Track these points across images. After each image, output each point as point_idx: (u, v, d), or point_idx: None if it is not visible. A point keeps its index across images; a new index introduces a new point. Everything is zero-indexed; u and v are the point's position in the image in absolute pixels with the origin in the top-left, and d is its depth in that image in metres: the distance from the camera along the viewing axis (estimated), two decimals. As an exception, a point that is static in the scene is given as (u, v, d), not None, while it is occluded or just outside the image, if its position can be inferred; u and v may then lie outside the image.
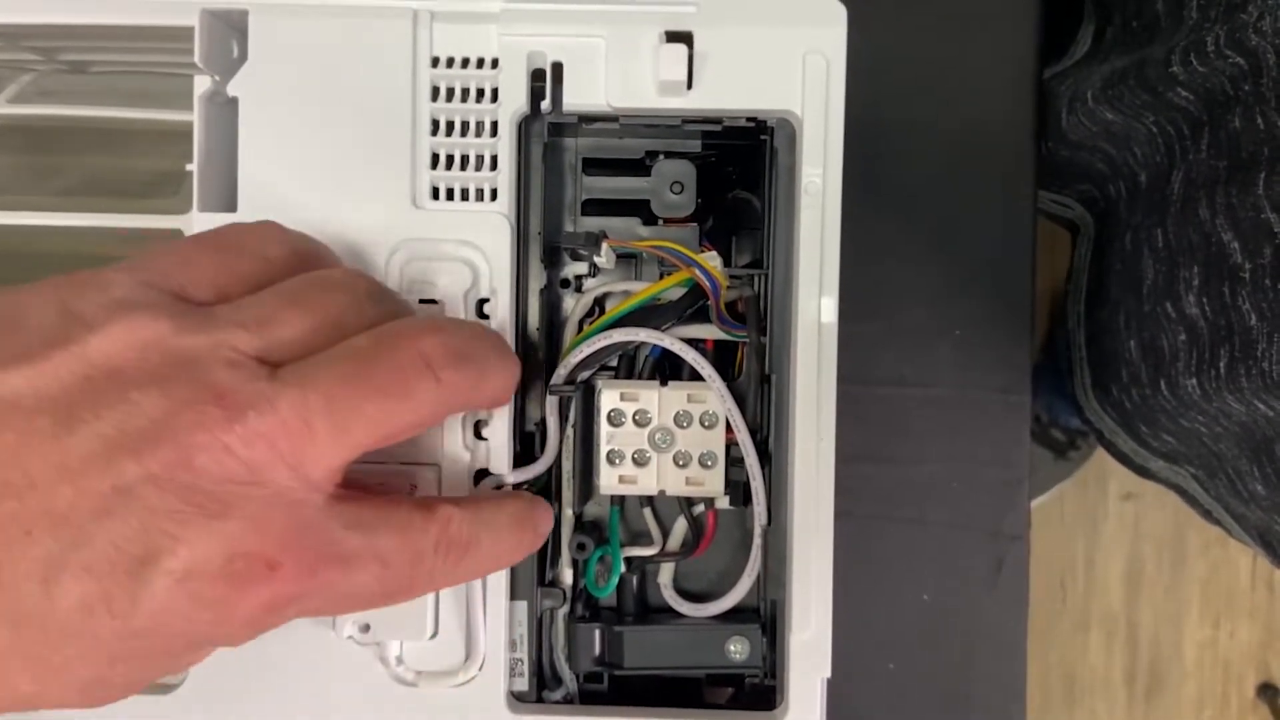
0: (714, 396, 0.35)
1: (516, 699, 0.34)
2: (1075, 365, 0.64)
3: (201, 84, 0.33)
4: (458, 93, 0.33)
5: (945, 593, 0.49)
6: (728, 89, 0.33)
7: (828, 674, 0.33)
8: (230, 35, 0.34)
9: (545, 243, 0.36)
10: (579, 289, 0.38)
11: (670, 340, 0.35)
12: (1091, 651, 1.18)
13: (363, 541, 0.26)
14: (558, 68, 0.33)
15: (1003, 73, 0.48)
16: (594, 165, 0.37)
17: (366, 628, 0.32)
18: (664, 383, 0.35)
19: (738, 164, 0.37)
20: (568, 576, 0.36)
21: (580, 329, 0.36)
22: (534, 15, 0.33)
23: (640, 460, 0.35)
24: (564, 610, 0.36)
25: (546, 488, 0.36)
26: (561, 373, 0.35)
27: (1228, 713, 1.18)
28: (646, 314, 0.35)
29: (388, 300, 0.29)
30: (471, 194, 0.33)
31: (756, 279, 0.36)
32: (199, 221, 0.33)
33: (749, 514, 0.35)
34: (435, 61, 0.33)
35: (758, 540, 0.35)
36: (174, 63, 0.35)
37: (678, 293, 0.36)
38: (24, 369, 0.23)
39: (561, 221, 0.37)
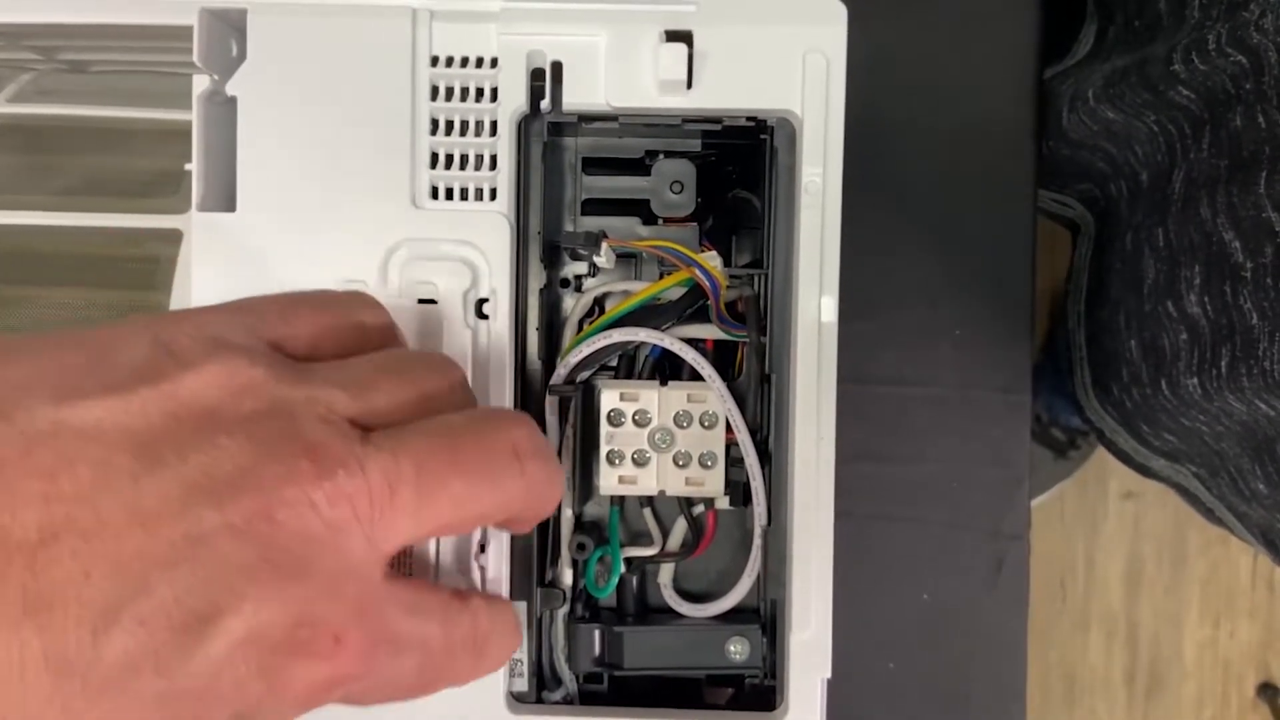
0: (714, 396, 0.35)
1: (516, 699, 0.34)
2: (1076, 364, 0.64)
3: (200, 83, 0.33)
4: (457, 92, 0.33)
5: (945, 592, 0.49)
6: (728, 88, 0.33)
7: (828, 674, 0.33)
8: (229, 34, 0.34)
9: (545, 242, 0.36)
10: (579, 289, 0.37)
11: (670, 340, 0.35)
12: (1091, 651, 1.18)
13: (414, 627, 0.25)
14: (557, 67, 0.33)
15: (1003, 72, 0.48)
16: (594, 165, 0.37)
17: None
18: (664, 383, 0.35)
19: (738, 163, 0.37)
20: (567, 577, 0.36)
21: (580, 329, 0.36)
22: (534, 14, 0.33)
23: (640, 460, 0.35)
24: (564, 610, 0.36)
25: (546, 488, 0.36)
26: (561, 373, 0.35)
27: (1228, 712, 1.18)
28: (646, 314, 0.35)
29: (472, 392, 0.28)
30: (471, 193, 0.33)
31: (756, 279, 0.36)
32: (198, 221, 0.33)
33: (749, 514, 0.35)
34: (435, 61, 0.33)
35: (758, 540, 0.35)
36: (173, 62, 0.35)
37: (677, 292, 0.36)
38: (108, 400, 0.22)
39: (561, 221, 0.37)
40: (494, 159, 0.33)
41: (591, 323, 0.36)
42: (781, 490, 0.34)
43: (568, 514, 0.36)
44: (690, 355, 0.35)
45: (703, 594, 0.37)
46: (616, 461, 0.35)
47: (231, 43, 0.34)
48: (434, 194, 0.33)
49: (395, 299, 0.33)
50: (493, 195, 0.33)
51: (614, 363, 0.37)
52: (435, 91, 0.33)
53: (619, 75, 0.33)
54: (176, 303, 0.34)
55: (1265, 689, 1.17)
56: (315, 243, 0.33)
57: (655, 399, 0.35)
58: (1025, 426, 0.49)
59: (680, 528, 0.37)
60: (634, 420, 0.35)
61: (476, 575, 0.33)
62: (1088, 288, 0.62)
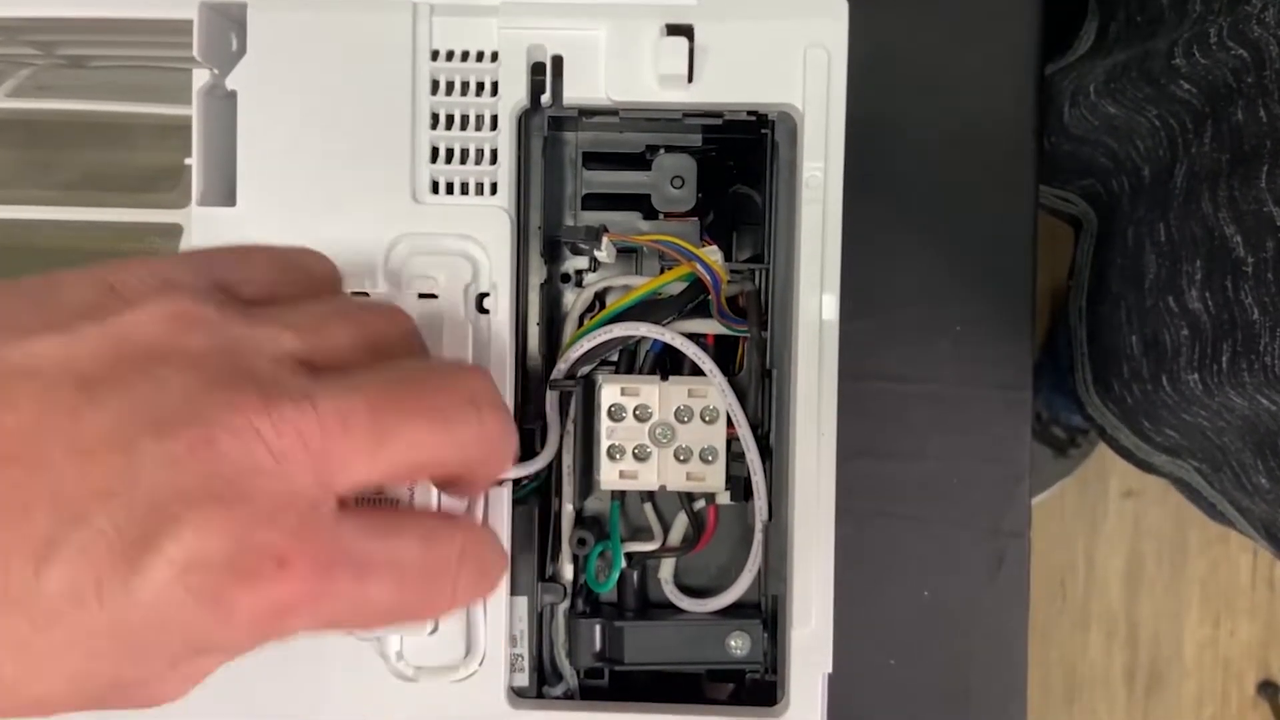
0: (715, 391, 0.35)
1: (517, 694, 0.34)
2: (1077, 360, 0.64)
3: (200, 78, 0.33)
4: (457, 86, 0.33)
5: (946, 590, 0.49)
6: (728, 83, 0.33)
7: (829, 670, 0.33)
8: (229, 29, 0.33)
9: (545, 237, 0.36)
10: (579, 283, 0.37)
11: (671, 335, 0.35)
12: (1091, 649, 1.18)
13: (380, 547, 0.24)
14: (558, 61, 0.33)
15: (1004, 68, 0.48)
16: (594, 159, 0.37)
17: (366, 623, 0.32)
18: (665, 378, 0.35)
19: (738, 158, 0.37)
20: (568, 572, 0.36)
21: (581, 324, 0.36)
22: (534, 8, 0.33)
23: (641, 455, 0.35)
24: (564, 606, 0.36)
25: (547, 483, 0.36)
26: (562, 368, 0.35)
27: (1228, 711, 1.18)
28: (647, 309, 0.35)
29: (426, 345, 0.28)
30: (471, 188, 0.33)
31: (757, 273, 0.36)
32: (198, 216, 0.33)
33: (750, 509, 0.35)
34: (435, 55, 0.33)
35: (758, 536, 0.35)
36: (173, 57, 0.35)
37: (678, 287, 0.36)
38: (51, 337, 0.22)
39: (562, 216, 0.37)
40: (494, 153, 0.33)
41: (592, 318, 0.36)
42: (782, 485, 0.34)
43: (568, 509, 0.36)
44: (691, 350, 0.34)
45: (703, 589, 0.37)
46: (617, 456, 0.35)
47: (231, 37, 0.34)
48: (434, 189, 0.33)
49: (396, 294, 0.33)
50: (493, 190, 0.33)
51: (615, 358, 0.37)
52: (435, 86, 0.33)
53: (619, 69, 0.33)
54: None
55: (1265, 687, 1.17)
56: (315, 237, 0.32)
57: (656, 394, 0.35)
58: (1026, 424, 0.49)
59: (681, 523, 0.37)
60: (635, 415, 0.35)
61: None
62: (1089, 283, 0.62)
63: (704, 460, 0.35)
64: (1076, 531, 1.17)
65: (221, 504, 0.22)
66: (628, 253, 0.37)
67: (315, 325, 0.25)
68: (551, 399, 0.35)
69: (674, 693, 0.37)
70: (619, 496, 0.37)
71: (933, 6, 0.49)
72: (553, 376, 0.35)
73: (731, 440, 0.35)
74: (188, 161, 0.33)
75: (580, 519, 0.37)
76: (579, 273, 0.37)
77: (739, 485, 0.36)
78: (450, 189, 0.33)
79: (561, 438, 0.35)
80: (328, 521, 0.24)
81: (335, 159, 0.33)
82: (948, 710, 0.49)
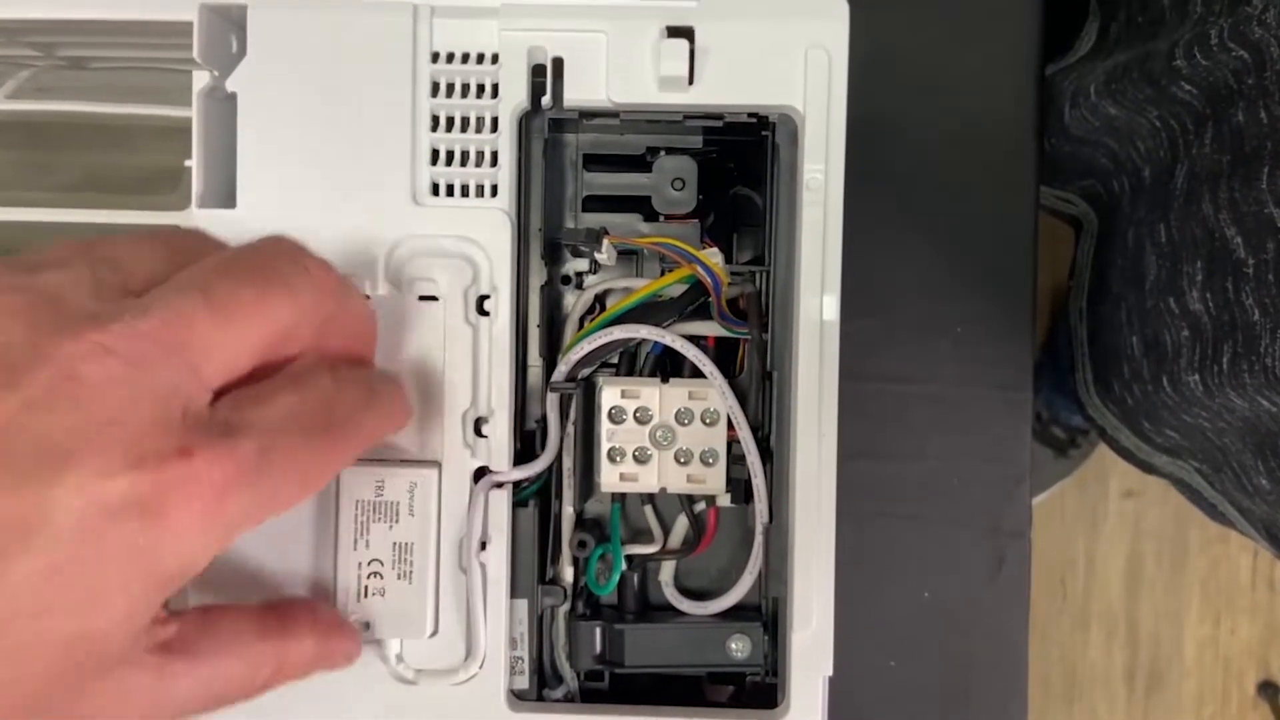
0: (715, 394, 0.35)
1: (517, 697, 0.34)
2: (1078, 361, 0.64)
3: (200, 79, 0.33)
4: (458, 88, 0.33)
5: (946, 590, 0.49)
6: (729, 84, 0.33)
7: (829, 672, 0.33)
8: (229, 30, 0.33)
9: (546, 239, 0.35)
10: (580, 285, 0.37)
11: (671, 337, 0.34)
12: (1092, 649, 1.18)
13: (265, 408, 0.25)
14: (558, 63, 0.33)
15: (1004, 69, 0.48)
16: (595, 161, 0.37)
17: (367, 625, 0.32)
18: (665, 380, 0.35)
19: (739, 160, 0.37)
20: (568, 574, 0.36)
21: (581, 326, 0.36)
22: (534, 10, 0.33)
23: (641, 458, 0.35)
24: (565, 608, 0.36)
25: (547, 485, 0.36)
26: (562, 370, 0.35)
27: (1228, 710, 1.18)
28: (647, 311, 0.35)
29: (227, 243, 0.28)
30: (472, 190, 0.33)
31: (758, 275, 0.36)
32: (198, 218, 0.33)
33: (750, 512, 0.35)
34: (435, 56, 0.33)
35: (759, 538, 0.35)
36: (173, 58, 0.35)
37: (679, 289, 0.36)
38: None
39: (562, 218, 0.37)
40: (495, 155, 0.33)
41: (592, 320, 0.36)
42: (783, 488, 0.34)
43: (569, 511, 0.36)
44: (692, 352, 0.34)
45: (704, 592, 0.37)
46: (618, 459, 0.35)
47: (231, 38, 0.34)
48: (434, 190, 0.33)
49: (396, 296, 0.32)
50: (494, 192, 0.33)
51: (615, 360, 0.37)
52: (436, 87, 0.33)
53: (620, 71, 0.33)
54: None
55: (1266, 687, 1.17)
56: (315, 239, 0.32)
57: (657, 396, 0.35)
58: (1026, 424, 0.49)
59: (681, 525, 0.37)
60: (635, 417, 0.35)
61: (477, 573, 0.33)
62: (1090, 284, 0.62)
63: (704, 462, 0.35)
64: (1077, 531, 1.17)
65: (102, 423, 0.22)
66: (628, 255, 0.37)
67: (121, 253, 0.25)
68: (552, 401, 0.35)
69: (674, 695, 0.37)
70: (619, 499, 0.37)
71: (933, 6, 0.48)
72: (553, 379, 0.35)
73: (732, 442, 0.35)
74: (188, 163, 0.33)
75: (580, 521, 0.37)
76: (579, 275, 0.37)
77: (739, 487, 0.36)
78: (450, 191, 0.33)
79: (562, 440, 0.35)
80: (210, 403, 0.24)
81: (335, 161, 0.33)
82: (948, 710, 0.49)
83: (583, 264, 0.37)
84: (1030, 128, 0.48)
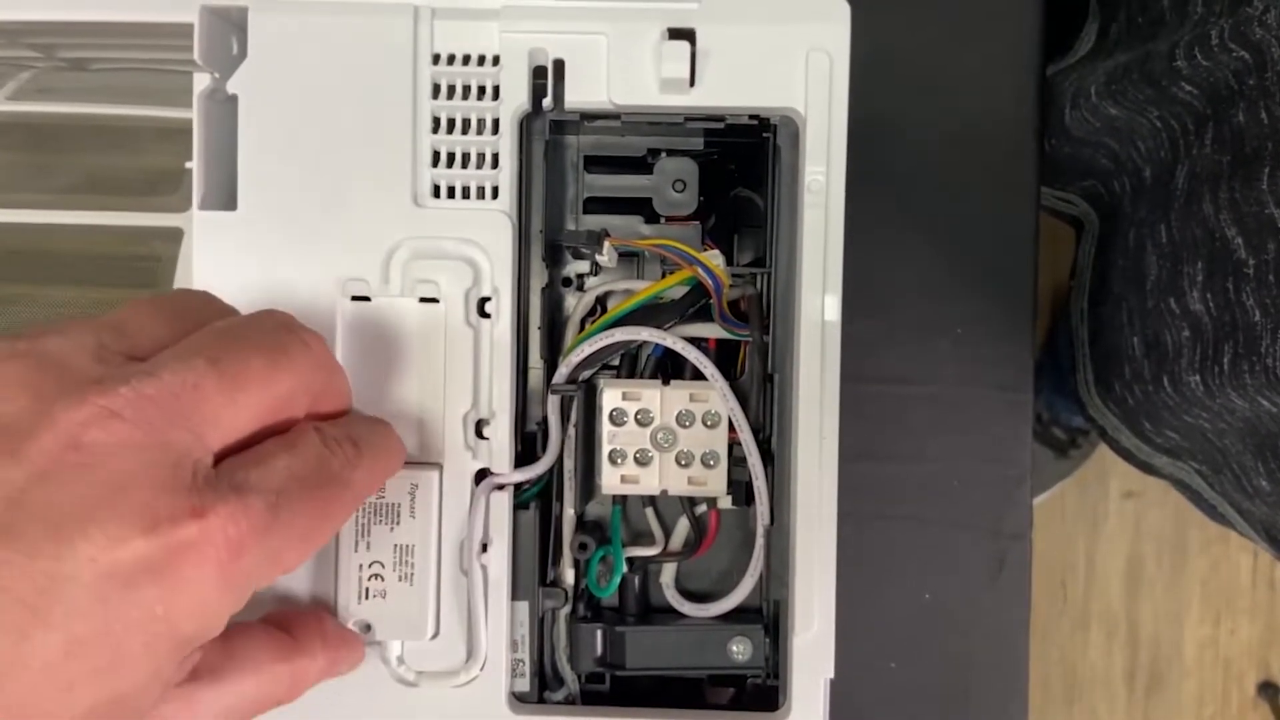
0: (716, 396, 0.35)
1: (518, 699, 0.34)
2: (1078, 361, 0.64)
3: (201, 81, 0.33)
4: (459, 90, 0.33)
5: (946, 592, 0.49)
6: (730, 86, 0.33)
7: (830, 675, 0.33)
8: (230, 32, 0.33)
9: (547, 241, 0.35)
10: (581, 287, 0.37)
11: (673, 339, 0.34)
12: (1092, 649, 1.18)
13: (271, 466, 0.25)
14: (559, 65, 0.33)
15: (1005, 70, 0.48)
16: (596, 163, 0.37)
17: (368, 627, 0.32)
18: (666, 382, 0.35)
19: (740, 162, 0.37)
20: (569, 577, 0.36)
21: (582, 328, 0.36)
22: (535, 12, 0.33)
23: (642, 460, 0.35)
24: (566, 610, 0.36)
25: (548, 487, 0.36)
26: (563, 372, 0.34)
27: (1228, 711, 1.18)
28: (648, 313, 0.35)
29: (228, 305, 0.29)
30: (473, 192, 0.33)
31: (759, 277, 0.36)
32: (199, 220, 0.33)
33: (751, 514, 0.35)
34: (436, 58, 0.33)
35: (760, 540, 0.35)
36: (174, 60, 0.35)
37: (680, 291, 0.36)
38: None
39: (563, 220, 0.37)
40: (496, 157, 0.33)
41: (594, 322, 0.36)
42: (784, 490, 0.34)
43: (570, 513, 0.36)
44: (693, 354, 0.34)
45: (705, 594, 0.37)
46: (619, 461, 0.35)
47: (232, 40, 0.34)
48: (435, 192, 0.33)
49: (397, 298, 0.32)
50: (494, 194, 0.33)
51: (616, 362, 0.37)
52: (437, 89, 0.33)
53: (621, 73, 0.33)
54: (177, 302, 0.34)
55: (1266, 687, 1.17)
56: (316, 241, 0.32)
57: (658, 398, 0.35)
58: (1026, 425, 0.49)
59: (683, 527, 0.37)
60: (636, 419, 0.35)
61: (478, 575, 0.33)
62: (1091, 284, 0.62)
63: (705, 465, 0.35)
64: (1077, 532, 1.17)
65: (114, 490, 0.22)
66: (629, 257, 0.37)
67: (125, 318, 0.25)
68: (553, 403, 0.35)
69: (675, 698, 0.37)
70: (620, 501, 0.37)
71: (933, 6, 0.48)
72: (554, 381, 0.35)
73: (733, 444, 0.35)
74: (189, 165, 0.33)
75: (581, 524, 0.37)
76: (580, 277, 0.37)
77: (741, 489, 0.36)
78: (451, 193, 0.33)
79: (563, 442, 0.35)
80: (214, 466, 0.24)
81: (336, 163, 0.33)
82: (948, 711, 0.49)
83: (584, 266, 0.37)
84: (1030, 128, 0.48)
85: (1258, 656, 1.18)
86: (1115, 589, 1.18)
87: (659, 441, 0.35)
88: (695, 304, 0.35)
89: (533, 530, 0.34)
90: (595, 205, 0.37)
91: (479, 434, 0.33)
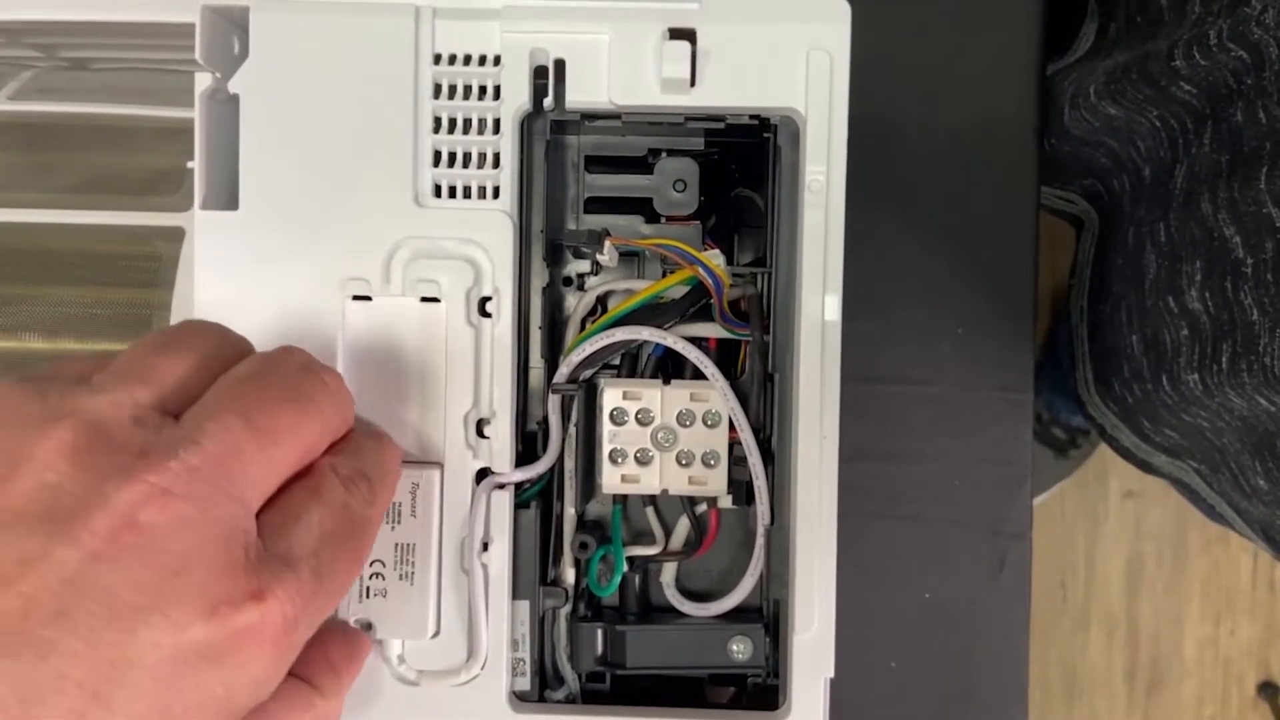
0: (717, 395, 0.35)
1: (518, 698, 0.34)
2: (1078, 359, 0.64)
3: (203, 81, 0.33)
4: (460, 90, 0.33)
5: (947, 591, 0.49)
6: (731, 86, 0.33)
7: (830, 674, 0.33)
8: (231, 32, 0.33)
9: (548, 241, 0.36)
10: (581, 287, 0.37)
11: (673, 339, 0.35)
12: (1092, 649, 1.18)
13: (312, 524, 0.25)
14: (560, 65, 0.33)
15: (1005, 70, 0.48)
16: (596, 163, 0.37)
17: (369, 625, 0.32)
18: (667, 381, 0.35)
19: (741, 162, 0.37)
20: (570, 576, 0.36)
21: (583, 327, 0.36)
22: (536, 12, 0.33)
23: (643, 459, 0.35)
24: (566, 610, 0.36)
25: (549, 487, 0.36)
26: (564, 371, 0.35)
27: (1228, 711, 1.18)
28: (649, 312, 0.35)
29: (240, 336, 0.29)
30: (474, 191, 0.33)
31: (759, 277, 0.36)
32: (201, 220, 0.33)
33: (752, 513, 0.35)
34: (437, 58, 0.33)
35: (760, 540, 0.35)
36: (175, 59, 0.35)
37: (680, 291, 0.36)
38: None
39: (564, 219, 0.37)
40: (497, 157, 0.33)
41: (594, 321, 0.36)
42: (784, 489, 0.34)
43: (570, 513, 0.36)
44: (693, 354, 0.34)
45: (705, 593, 0.37)
46: (619, 460, 0.35)
47: (234, 40, 0.34)
48: (436, 192, 0.33)
49: (398, 298, 0.33)
50: (495, 193, 0.33)
51: (617, 361, 0.37)
52: (438, 89, 0.33)
53: (622, 73, 0.33)
54: (179, 300, 0.34)
55: (1266, 688, 1.17)
56: (318, 241, 0.33)
57: (658, 398, 0.35)
58: (1027, 425, 0.49)
59: (683, 527, 0.37)
60: (637, 419, 0.35)
61: (479, 574, 0.33)
62: (1090, 283, 0.62)
63: (706, 464, 0.35)
64: (1077, 532, 1.17)
65: (174, 574, 0.22)
66: (630, 256, 0.37)
67: (147, 367, 0.25)
68: (554, 403, 0.35)
69: (676, 697, 0.37)
70: (621, 500, 0.37)
71: (933, 6, 0.49)
72: (555, 380, 0.35)
73: (733, 444, 0.35)
74: (190, 165, 0.33)
75: (582, 523, 0.37)
76: (581, 276, 0.37)
77: (741, 489, 0.36)
78: (452, 193, 0.33)
79: (563, 442, 0.35)
80: (257, 539, 0.24)
81: (337, 162, 0.33)
82: (948, 711, 0.49)
83: (584, 265, 0.37)
84: (1030, 128, 0.48)
85: (1258, 657, 1.18)
86: (1115, 589, 1.18)
87: (659, 441, 0.35)
88: (696, 304, 0.36)
89: (533, 529, 0.34)
90: (596, 205, 0.37)
91: (480, 433, 0.33)
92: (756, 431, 0.35)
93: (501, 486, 0.33)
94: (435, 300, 0.33)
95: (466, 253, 0.33)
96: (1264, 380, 0.44)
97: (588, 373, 0.35)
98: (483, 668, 0.33)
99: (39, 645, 0.20)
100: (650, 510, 0.37)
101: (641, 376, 0.36)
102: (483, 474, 0.33)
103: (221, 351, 0.27)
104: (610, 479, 0.35)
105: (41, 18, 0.33)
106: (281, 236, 0.32)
